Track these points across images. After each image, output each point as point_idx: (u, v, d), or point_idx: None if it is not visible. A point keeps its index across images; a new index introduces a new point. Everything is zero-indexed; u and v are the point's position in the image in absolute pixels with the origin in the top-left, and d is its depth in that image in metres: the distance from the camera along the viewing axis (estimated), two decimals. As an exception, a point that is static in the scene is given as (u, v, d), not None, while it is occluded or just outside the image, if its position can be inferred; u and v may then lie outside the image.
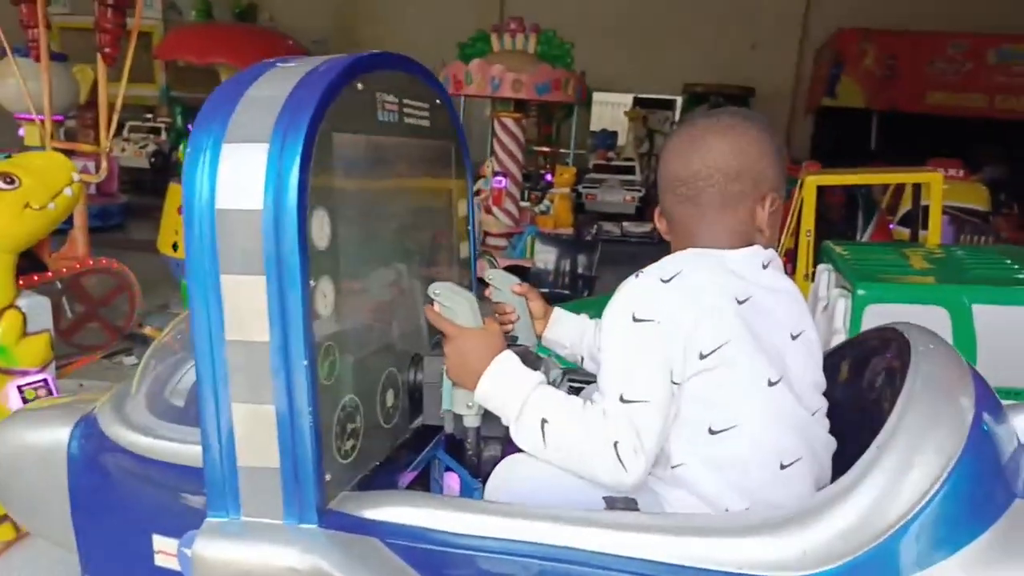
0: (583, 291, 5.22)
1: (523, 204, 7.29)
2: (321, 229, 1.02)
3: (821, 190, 4.17)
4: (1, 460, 1.47)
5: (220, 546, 1.03)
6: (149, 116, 11.34)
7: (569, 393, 1.18)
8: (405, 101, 1.28)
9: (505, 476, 1.16)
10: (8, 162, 2.32)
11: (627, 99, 13.27)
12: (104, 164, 3.88)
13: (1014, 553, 0.95)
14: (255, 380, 1.00)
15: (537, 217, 7.39)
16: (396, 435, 1.27)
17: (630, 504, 1.09)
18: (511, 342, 1.42)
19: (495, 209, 7.12)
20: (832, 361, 1.41)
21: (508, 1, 13.36)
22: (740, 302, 1.11)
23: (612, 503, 1.09)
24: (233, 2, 12.52)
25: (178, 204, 4.63)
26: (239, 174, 0.97)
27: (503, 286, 1.45)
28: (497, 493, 1.18)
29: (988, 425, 1.04)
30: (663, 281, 1.10)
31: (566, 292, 5.16)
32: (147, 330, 3.86)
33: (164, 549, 1.24)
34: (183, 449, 1.21)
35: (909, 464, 0.96)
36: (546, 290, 5.17)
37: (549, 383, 1.29)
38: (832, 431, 1.21)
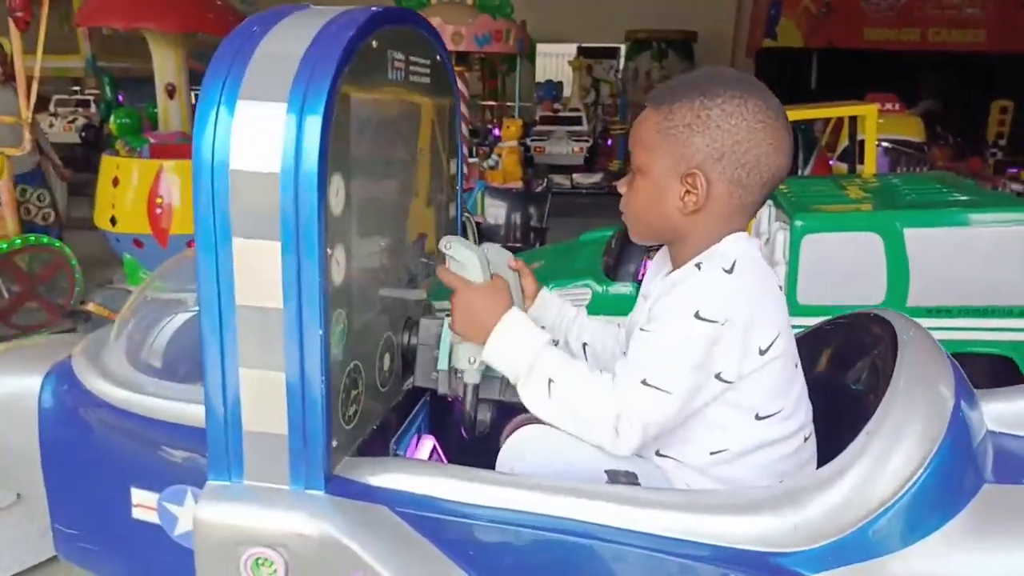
0: (535, 243, 5.24)
1: (471, 160, 7.22)
2: (337, 195, 0.98)
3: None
4: None
5: (223, 508, 1.03)
6: (76, 89, 10.85)
7: None
8: (411, 58, 1.22)
9: (515, 451, 1.16)
10: (-79, 137, 2.21)
11: (571, 49, 13.11)
12: (28, 136, 3.71)
13: (981, 535, 1.01)
14: (266, 346, 0.98)
15: (486, 172, 7.34)
16: (390, 398, 1.27)
17: (631, 478, 1.11)
18: None
19: (443, 166, 7.04)
20: (814, 345, 1.42)
21: (444, -47, 12.99)
22: (780, 288, 1.15)
23: (615, 477, 1.10)
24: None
25: (112, 177, 4.48)
26: (255, 134, 0.93)
27: (499, 260, 1.42)
28: (507, 467, 1.18)
29: (964, 413, 1.09)
30: (726, 272, 1.07)
31: (518, 245, 5.16)
32: (90, 306, 3.75)
33: (143, 503, 1.24)
34: (167, 405, 1.21)
35: (896, 451, 1.01)
36: (497, 244, 5.17)
37: None
38: (816, 413, 1.24)
